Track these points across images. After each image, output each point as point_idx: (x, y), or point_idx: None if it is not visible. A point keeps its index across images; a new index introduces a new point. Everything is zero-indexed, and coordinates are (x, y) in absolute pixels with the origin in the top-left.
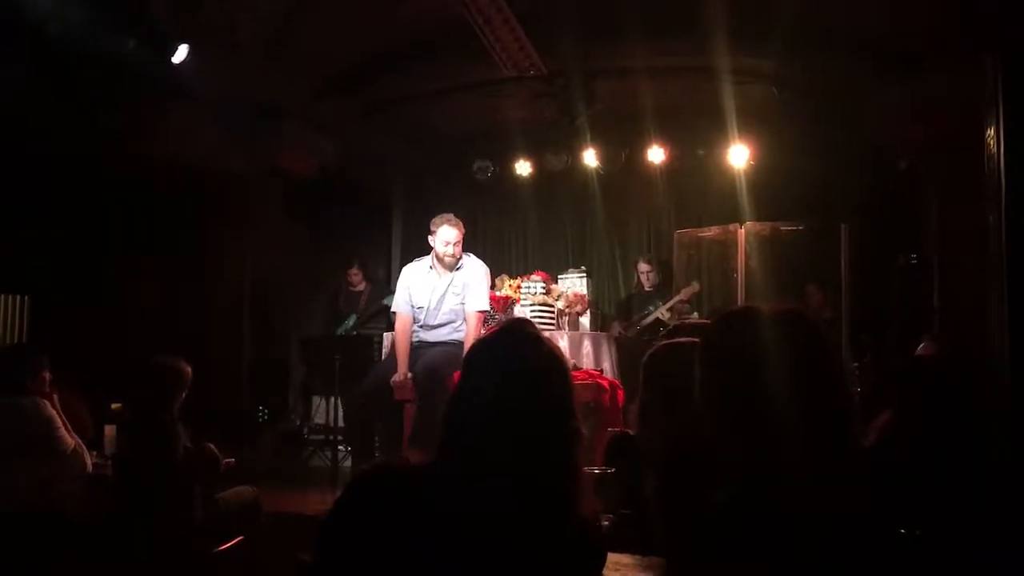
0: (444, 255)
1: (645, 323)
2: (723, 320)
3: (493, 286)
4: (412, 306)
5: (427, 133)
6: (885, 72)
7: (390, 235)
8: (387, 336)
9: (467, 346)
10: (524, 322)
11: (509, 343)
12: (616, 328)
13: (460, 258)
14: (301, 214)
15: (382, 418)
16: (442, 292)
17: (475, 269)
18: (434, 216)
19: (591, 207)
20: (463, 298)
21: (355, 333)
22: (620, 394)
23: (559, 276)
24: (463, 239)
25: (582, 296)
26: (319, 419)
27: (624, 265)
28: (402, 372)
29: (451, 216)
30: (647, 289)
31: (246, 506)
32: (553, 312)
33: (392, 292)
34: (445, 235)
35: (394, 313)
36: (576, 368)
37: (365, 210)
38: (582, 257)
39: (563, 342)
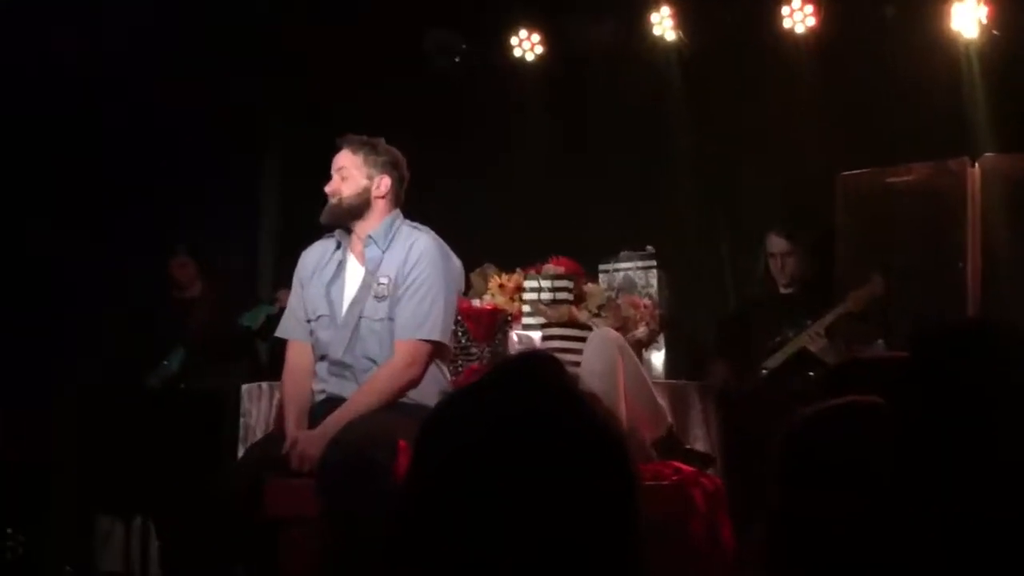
0: (328, 195)
1: (779, 359)
2: (946, 352)
3: (468, 289)
4: (309, 322)
5: None
6: None
7: (255, 188)
8: (249, 391)
9: (374, 398)
10: (542, 360)
11: (513, 407)
12: (720, 370)
13: (343, 212)
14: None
15: (244, 553)
16: (355, 288)
17: (420, 249)
18: None
19: (665, 125)
20: (392, 308)
21: (181, 386)
22: (723, 504)
23: (601, 266)
24: (362, 177)
25: (649, 307)
26: (111, 564)
27: (735, 244)
28: (293, 434)
29: (351, 135)
30: (783, 289)
31: None
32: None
33: (262, 302)
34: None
35: (276, 341)
36: (643, 455)
37: (198, 142)
38: (647, 229)
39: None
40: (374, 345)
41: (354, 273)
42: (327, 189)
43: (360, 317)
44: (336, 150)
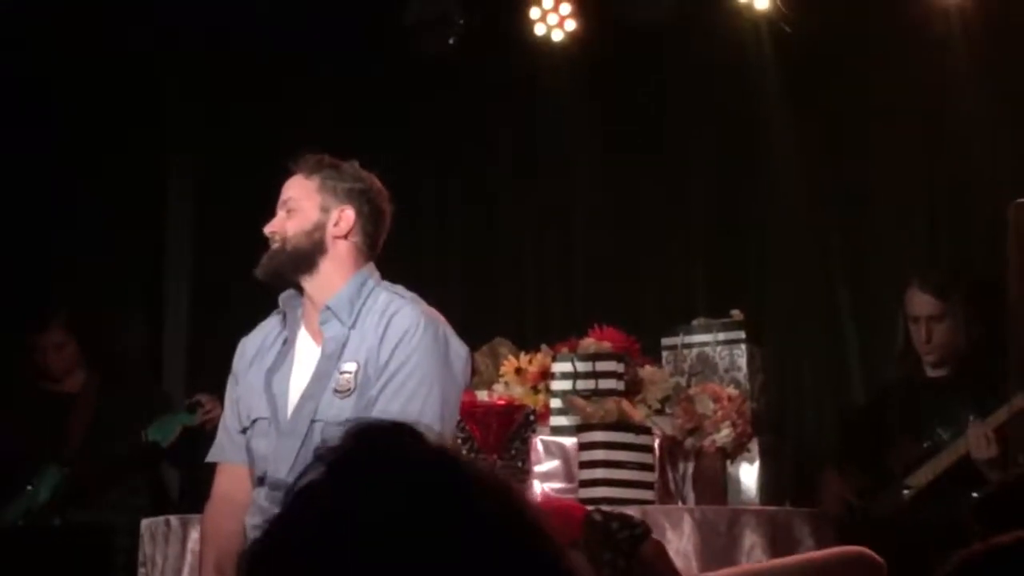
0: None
1: (929, 473)
2: None
3: (472, 376)
4: (246, 434)
5: None
6: None
7: (159, 223)
8: (151, 528)
9: None
10: (392, 433)
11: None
12: (836, 488)
13: (296, 243)
14: None
15: None
16: (306, 378)
17: (404, 325)
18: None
19: (756, 131)
20: (366, 404)
21: (54, 522)
22: None
23: (665, 340)
24: (315, 209)
25: (735, 400)
26: None
27: (862, 305)
28: None
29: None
30: (931, 371)
31: None
32: (648, 452)
33: (179, 409)
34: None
35: (194, 465)
36: None
37: (83, 163)
38: (732, 285)
39: (680, 537)
40: None
41: (306, 356)
42: (267, 229)
43: (313, 420)
44: (287, 177)
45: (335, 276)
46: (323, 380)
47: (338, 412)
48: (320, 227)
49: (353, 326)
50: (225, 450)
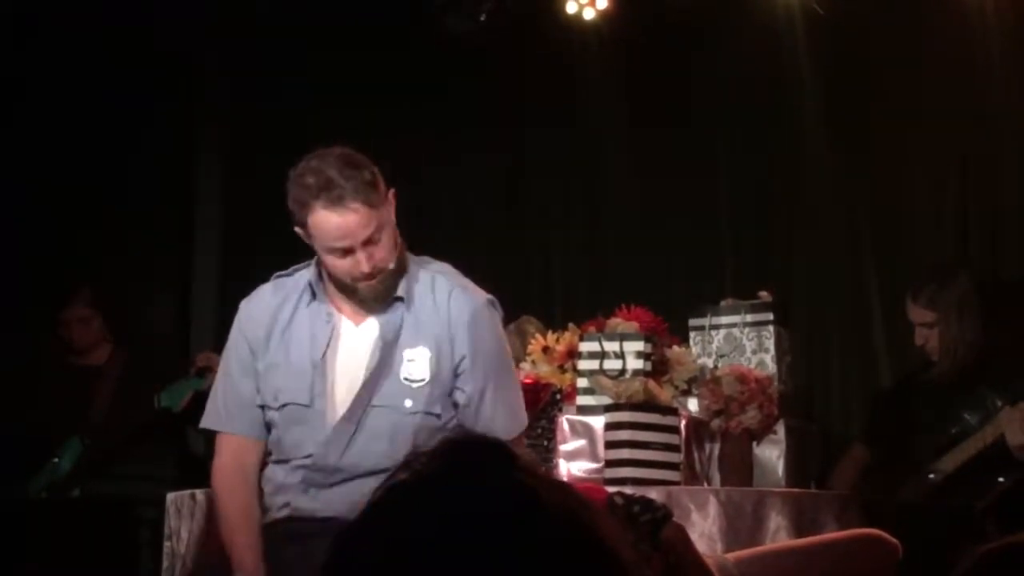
0: (346, 276)
1: (957, 458)
2: None
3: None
4: (266, 411)
5: None
6: None
7: (189, 199)
8: (176, 502)
9: None
10: (488, 449)
11: (453, 527)
12: (860, 453)
13: (392, 274)
14: None
15: None
16: (358, 364)
17: (470, 304)
18: (304, 162)
19: (788, 119)
20: (435, 398)
21: (76, 493)
22: None
23: (692, 321)
24: (389, 219)
25: (762, 382)
26: None
27: (890, 290)
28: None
29: (334, 163)
30: (939, 374)
31: None
32: (675, 433)
33: (195, 377)
34: (326, 225)
35: (209, 435)
36: None
37: (108, 134)
38: (762, 267)
39: (705, 519)
40: (382, 446)
41: (353, 339)
42: (367, 269)
43: (371, 406)
44: (320, 191)
45: None
46: (385, 366)
47: (402, 398)
48: (395, 229)
49: (408, 308)
50: (235, 420)
